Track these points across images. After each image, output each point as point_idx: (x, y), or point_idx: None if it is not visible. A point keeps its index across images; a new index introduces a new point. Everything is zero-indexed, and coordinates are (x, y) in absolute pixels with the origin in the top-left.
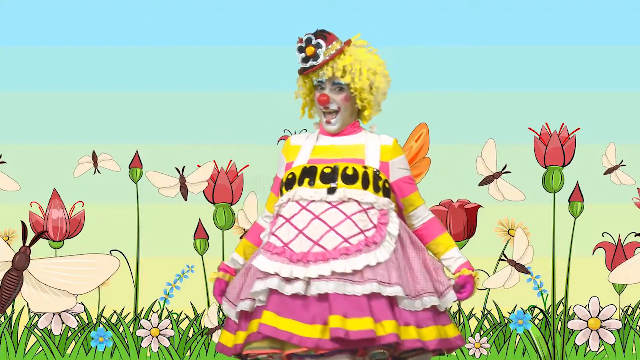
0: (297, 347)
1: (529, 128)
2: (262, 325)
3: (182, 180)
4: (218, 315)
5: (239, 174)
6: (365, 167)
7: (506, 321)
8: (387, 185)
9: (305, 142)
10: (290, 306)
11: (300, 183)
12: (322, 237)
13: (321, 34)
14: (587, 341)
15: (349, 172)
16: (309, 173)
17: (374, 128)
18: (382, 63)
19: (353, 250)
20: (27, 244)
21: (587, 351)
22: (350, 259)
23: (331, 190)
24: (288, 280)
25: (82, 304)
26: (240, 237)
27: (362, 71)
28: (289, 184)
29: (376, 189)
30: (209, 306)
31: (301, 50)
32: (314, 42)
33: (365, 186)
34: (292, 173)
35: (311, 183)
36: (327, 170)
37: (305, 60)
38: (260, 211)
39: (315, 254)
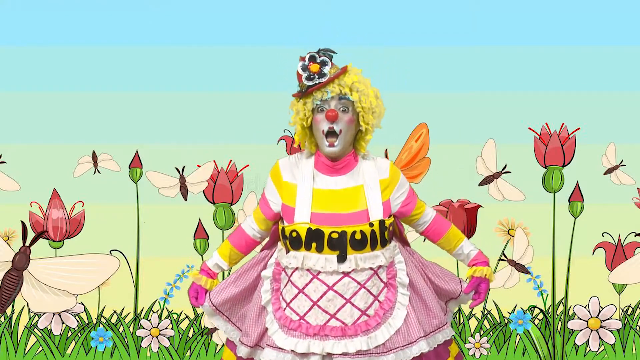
0: None
1: (529, 128)
2: None
3: (182, 180)
4: None
5: (239, 174)
6: (371, 225)
7: (506, 321)
8: (391, 227)
9: (300, 179)
10: None
11: (308, 247)
12: (339, 310)
13: (325, 52)
14: (587, 341)
15: (357, 237)
16: (315, 237)
17: (368, 155)
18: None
19: (373, 324)
20: (27, 244)
21: (587, 351)
22: (372, 334)
23: (341, 259)
24: (304, 355)
25: (82, 304)
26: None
27: (369, 92)
28: (294, 243)
29: (384, 243)
30: None
31: (305, 68)
32: (319, 59)
33: (373, 246)
34: (295, 231)
35: (319, 249)
36: (335, 236)
37: (310, 78)
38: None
39: (334, 329)
